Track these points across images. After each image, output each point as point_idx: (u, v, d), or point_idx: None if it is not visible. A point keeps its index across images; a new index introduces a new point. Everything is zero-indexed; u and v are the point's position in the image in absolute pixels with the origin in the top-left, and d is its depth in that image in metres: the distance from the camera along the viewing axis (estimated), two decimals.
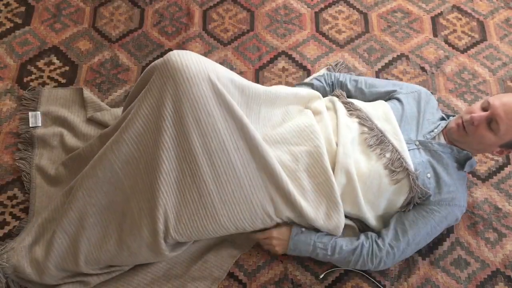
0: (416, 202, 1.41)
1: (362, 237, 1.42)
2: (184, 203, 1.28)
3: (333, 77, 1.69)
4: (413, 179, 1.38)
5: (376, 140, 1.42)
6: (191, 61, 1.22)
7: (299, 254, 1.44)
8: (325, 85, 1.68)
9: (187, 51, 1.25)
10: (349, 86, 1.66)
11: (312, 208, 1.35)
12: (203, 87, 1.22)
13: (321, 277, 1.47)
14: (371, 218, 1.43)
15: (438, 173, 1.42)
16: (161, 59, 1.25)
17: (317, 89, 1.66)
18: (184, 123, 1.23)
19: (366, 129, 1.44)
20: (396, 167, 1.39)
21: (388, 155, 1.40)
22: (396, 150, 1.40)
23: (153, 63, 1.28)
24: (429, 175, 1.41)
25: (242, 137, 1.28)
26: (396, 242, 1.39)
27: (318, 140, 1.38)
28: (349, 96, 1.63)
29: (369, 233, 1.43)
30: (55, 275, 1.35)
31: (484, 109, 1.40)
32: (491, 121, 1.37)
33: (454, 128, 1.45)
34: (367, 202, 1.41)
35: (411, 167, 1.39)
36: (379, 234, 1.43)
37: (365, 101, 1.59)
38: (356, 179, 1.37)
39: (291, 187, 1.32)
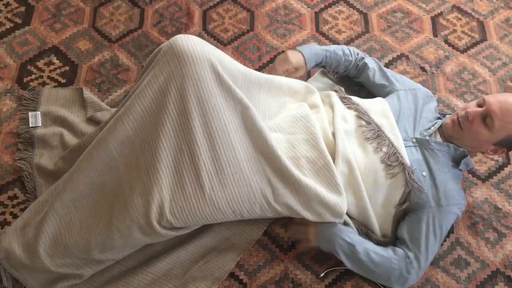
0: (413, 199, 1.41)
1: (390, 252, 1.40)
2: (181, 184, 1.25)
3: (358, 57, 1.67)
4: (408, 173, 1.39)
5: (373, 134, 1.43)
6: (195, 43, 1.25)
7: (325, 247, 1.41)
8: (353, 60, 1.65)
9: (192, 36, 1.27)
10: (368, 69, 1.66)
11: (313, 184, 1.33)
12: (206, 67, 1.24)
13: (321, 275, 1.47)
14: (372, 215, 1.43)
15: (433, 173, 1.43)
16: (166, 42, 1.28)
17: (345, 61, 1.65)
18: (185, 101, 1.24)
19: (363, 122, 1.45)
20: (392, 161, 1.40)
21: (384, 149, 1.41)
22: (393, 145, 1.41)
23: (157, 48, 1.31)
24: (424, 173, 1.42)
25: (241, 118, 1.28)
26: (417, 262, 1.39)
27: (314, 128, 1.39)
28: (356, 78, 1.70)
29: (398, 250, 1.41)
30: (46, 261, 1.30)
31: (479, 106, 1.43)
32: (486, 117, 1.39)
33: (450, 124, 1.47)
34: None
35: (407, 161, 1.40)
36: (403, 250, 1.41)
37: (369, 85, 1.66)
38: (357, 168, 1.38)
39: (291, 166, 1.31)
